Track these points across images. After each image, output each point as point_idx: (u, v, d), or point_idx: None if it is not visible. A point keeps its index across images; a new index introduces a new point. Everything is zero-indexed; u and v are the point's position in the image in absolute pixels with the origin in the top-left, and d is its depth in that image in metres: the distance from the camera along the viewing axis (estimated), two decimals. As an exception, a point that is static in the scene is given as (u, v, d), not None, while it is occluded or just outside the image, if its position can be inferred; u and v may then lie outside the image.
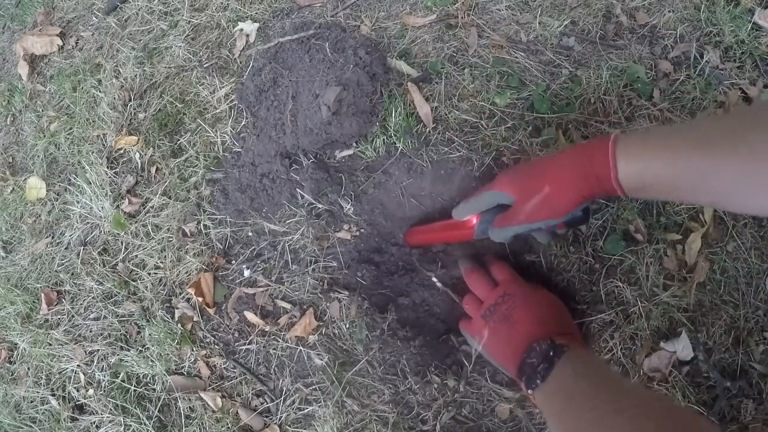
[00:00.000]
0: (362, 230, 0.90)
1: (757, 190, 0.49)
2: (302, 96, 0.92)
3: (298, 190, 0.91)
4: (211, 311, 0.91)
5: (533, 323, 0.69)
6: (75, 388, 0.96)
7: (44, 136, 1.18)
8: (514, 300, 0.72)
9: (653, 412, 0.48)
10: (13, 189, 1.19)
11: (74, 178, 1.09)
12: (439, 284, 0.86)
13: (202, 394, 0.87)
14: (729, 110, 0.83)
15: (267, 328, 0.88)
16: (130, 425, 0.89)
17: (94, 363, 0.95)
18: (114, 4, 1.25)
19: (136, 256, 0.99)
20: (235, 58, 1.07)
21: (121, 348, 0.94)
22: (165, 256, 0.96)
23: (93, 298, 0.99)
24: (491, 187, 0.71)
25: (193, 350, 0.91)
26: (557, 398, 0.59)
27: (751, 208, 0.54)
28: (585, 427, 0.52)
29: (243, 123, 0.99)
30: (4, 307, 1.07)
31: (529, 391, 0.63)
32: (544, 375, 0.61)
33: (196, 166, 1.00)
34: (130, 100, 1.11)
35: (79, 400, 0.95)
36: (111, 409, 0.91)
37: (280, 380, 0.86)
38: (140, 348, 0.93)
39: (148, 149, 1.05)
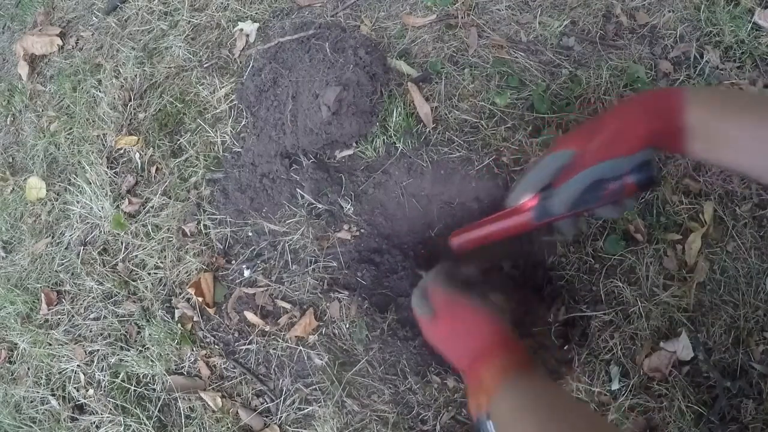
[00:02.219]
0: (362, 230, 0.90)
1: None
2: (302, 96, 0.92)
3: (298, 190, 0.91)
4: (211, 311, 0.91)
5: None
6: (75, 388, 0.96)
7: (44, 136, 1.17)
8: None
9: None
10: (13, 189, 1.19)
11: (74, 178, 1.09)
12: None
13: (202, 394, 0.87)
14: None
15: (267, 328, 0.88)
16: (130, 425, 0.89)
17: (94, 363, 0.95)
18: (114, 4, 1.25)
19: (136, 256, 0.99)
20: (235, 58, 1.07)
21: (121, 348, 0.94)
22: (165, 256, 0.96)
23: (93, 298, 0.99)
24: (549, 151, 0.62)
25: (193, 350, 0.90)
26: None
27: None
28: None
29: (243, 123, 0.99)
30: (4, 307, 1.06)
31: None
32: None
33: (196, 166, 1.00)
34: (130, 100, 1.11)
35: (79, 400, 0.95)
36: (111, 409, 0.91)
37: (280, 380, 0.86)
38: (140, 348, 0.93)
39: (148, 149, 1.05)
